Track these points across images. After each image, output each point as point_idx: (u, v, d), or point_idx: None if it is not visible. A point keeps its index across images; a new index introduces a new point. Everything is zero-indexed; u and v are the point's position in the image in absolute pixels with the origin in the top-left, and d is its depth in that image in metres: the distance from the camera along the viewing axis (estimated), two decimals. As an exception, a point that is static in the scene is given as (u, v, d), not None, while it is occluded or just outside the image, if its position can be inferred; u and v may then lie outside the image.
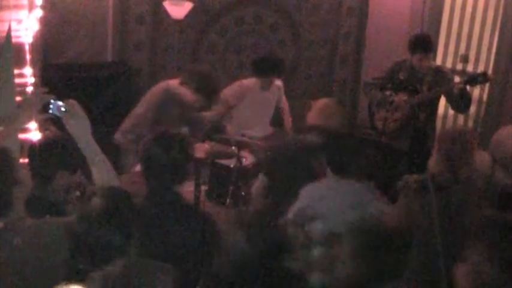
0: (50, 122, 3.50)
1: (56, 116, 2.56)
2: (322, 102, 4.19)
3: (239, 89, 5.38)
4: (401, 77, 5.23)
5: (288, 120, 5.57)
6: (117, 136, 4.45)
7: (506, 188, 3.50)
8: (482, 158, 4.42)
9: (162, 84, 4.70)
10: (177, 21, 5.83)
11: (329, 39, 7.03)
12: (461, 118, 6.67)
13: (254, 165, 4.93)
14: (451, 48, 6.78)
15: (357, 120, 7.22)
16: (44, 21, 4.52)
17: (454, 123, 6.71)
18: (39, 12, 4.35)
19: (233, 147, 4.86)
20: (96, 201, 2.17)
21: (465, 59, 6.64)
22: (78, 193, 2.89)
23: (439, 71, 5.25)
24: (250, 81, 5.39)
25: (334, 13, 6.93)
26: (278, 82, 5.51)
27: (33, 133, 3.57)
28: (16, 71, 3.66)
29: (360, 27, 7.04)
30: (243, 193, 4.76)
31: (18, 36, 3.95)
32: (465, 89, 4.95)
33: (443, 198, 3.40)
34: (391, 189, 3.79)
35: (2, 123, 2.81)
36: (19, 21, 4.03)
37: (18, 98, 3.28)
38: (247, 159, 4.96)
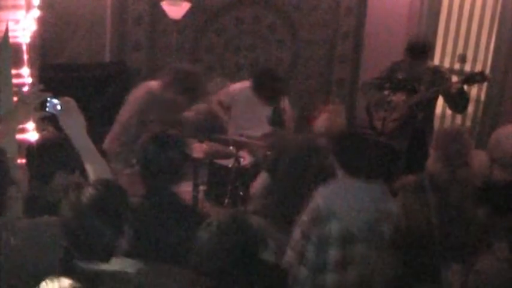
0: (48, 123, 3.49)
1: (52, 113, 2.56)
2: (329, 110, 4.20)
3: (234, 91, 5.36)
4: (400, 77, 5.23)
5: (289, 121, 5.54)
6: (105, 145, 4.34)
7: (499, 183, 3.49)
8: (480, 158, 4.42)
9: (143, 87, 4.48)
10: (175, 22, 5.83)
11: (327, 39, 7.03)
12: (459, 118, 6.68)
13: (252, 165, 4.93)
14: (449, 47, 6.79)
15: (355, 120, 7.22)
16: (42, 22, 4.51)
17: (452, 123, 6.72)
18: (36, 13, 4.34)
19: (231, 147, 4.85)
20: (89, 190, 2.17)
21: (463, 59, 6.65)
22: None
23: (437, 70, 5.24)
24: (245, 84, 5.37)
25: (332, 13, 6.93)
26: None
27: (31, 133, 3.56)
28: (14, 71, 3.65)
29: (358, 27, 7.04)
30: (241, 193, 4.76)
31: (16, 37, 3.94)
32: (463, 88, 4.95)
33: (441, 198, 3.40)
34: (390, 189, 3.79)
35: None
36: (17, 22, 4.02)
37: (15, 99, 3.28)
38: (246, 159, 4.96)
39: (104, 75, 5.87)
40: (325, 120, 4.05)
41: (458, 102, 5.04)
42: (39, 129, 3.54)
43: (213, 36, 6.53)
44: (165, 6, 5.71)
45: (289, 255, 3.22)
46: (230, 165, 4.82)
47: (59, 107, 2.53)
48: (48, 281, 2.13)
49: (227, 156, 4.89)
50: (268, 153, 4.65)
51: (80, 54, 5.94)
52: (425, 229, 3.20)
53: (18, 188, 2.75)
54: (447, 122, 6.73)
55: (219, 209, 4.63)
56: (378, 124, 5.32)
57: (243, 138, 4.94)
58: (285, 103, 5.49)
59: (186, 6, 5.73)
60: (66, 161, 2.98)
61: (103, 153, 3.93)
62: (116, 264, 2.16)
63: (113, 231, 2.14)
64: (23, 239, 2.45)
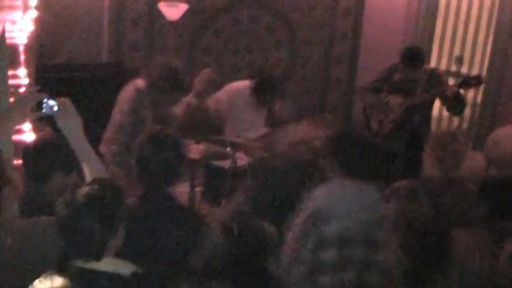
0: (45, 123, 3.49)
1: (49, 114, 2.56)
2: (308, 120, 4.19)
3: (231, 91, 5.36)
4: (396, 79, 5.24)
5: (284, 116, 5.52)
6: (102, 148, 4.33)
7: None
8: (477, 160, 4.44)
9: (131, 86, 4.43)
10: (173, 22, 5.83)
11: (325, 40, 7.03)
12: (455, 120, 6.69)
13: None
14: (446, 49, 6.80)
15: (352, 121, 7.23)
16: (39, 22, 4.50)
17: (449, 125, 6.73)
18: (33, 13, 4.34)
19: (228, 148, 4.86)
20: (84, 188, 2.17)
21: (460, 61, 6.66)
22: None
23: (433, 73, 5.26)
24: (243, 84, 5.36)
25: (329, 14, 6.94)
26: None
27: (28, 134, 3.56)
28: (10, 72, 3.64)
29: (355, 28, 7.05)
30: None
31: (13, 37, 3.93)
32: (459, 92, 4.96)
33: (436, 201, 3.41)
34: (383, 193, 3.79)
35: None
36: (13, 22, 4.01)
37: (12, 99, 3.28)
38: (242, 160, 4.96)
39: (101, 76, 5.86)
40: (304, 130, 4.01)
41: (454, 105, 5.05)
42: (35, 130, 3.53)
43: (211, 37, 6.53)
44: (163, 7, 5.71)
45: (286, 255, 3.21)
46: (227, 167, 4.82)
47: (55, 108, 2.53)
48: (42, 279, 2.13)
49: (224, 157, 4.89)
50: (265, 154, 4.65)
51: (77, 55, 5.94)
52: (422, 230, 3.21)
53: (15, 188, 2.74)
54: (444, 125, 6.74)
55: (220, 210, 4.61)
56: (375, 126, 5.33)
57: (240, 139, 4.94)
58: (280, 103, 5.50)
59: (184, 7, 5.73)
60: (63, 161, 2.98)
61: (100, 156, 3.93)
62: (110, 265, 2.16)
63: (105, 230, 2.14)
64: (19, 240, 2.45)
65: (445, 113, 6.15)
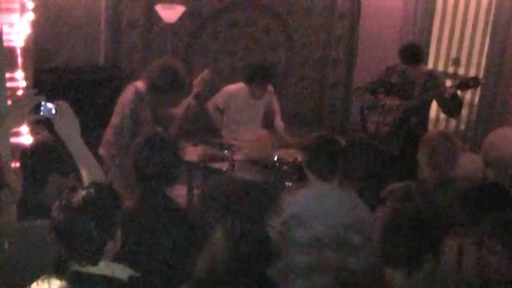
0: (42, 126, 3.49)
1: (46, 117, 2.55)
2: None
3: (228, 92, 5.37)
4: (393, 81, 5.24)
5: (279, 121, 5.56)
6: (101, 151, 4.33)
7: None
8: (474, 161, 4.44)
9: (131, 88, 4.41)
10: (170, 25, 5.83)
11: (321, 43, 7.04)
12: (453, 122, 6.69)
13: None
14: (443, 51, 6.81)
15: (349, 123, 7.24)
16: (36, 25, 4.50)
17: (446, 127, 6.73)
18: (31, 16, 4.33)
19: (226, 151, 4.86)
20: (81, 192, 2.17)
21: (457, 62, 6.67)
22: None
23: (430, 75, 5.26)
24: (238, 87, 5.37)
25: (326, 16, 6.95)
26: (269, 87, 5.49)
27: (25, 137, 3.55)
28: (7, 75, 3.63)
29: (352, 30, 7.06)
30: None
31: (10, 40, 3.92)
32: (456, 93, 4.96)
33: (430, 203, 3.40)
34: (378, 195, 3.80)
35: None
36: (11, 25, 4.01)
37: (9, 102, 3.27)
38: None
39: (98, 78, 5.86)
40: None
41: (451, 106, 5.05)
42: (33, 132, 3.53)
43: (208, 39, 6.53)
44: (160, 10, 5.71)
45: None
46: (224, 169, 4.82)
47: (53, 111, 2.53)
48: (39, 282, 2.13)
49: (221, 159, 4.89)
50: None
51: (74, 58, 5.94)
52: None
53: (12, 191, 2.74)
54: (441, 126, 6.74)
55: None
56: (372, 128, 5.33)
57: (237, 142, 4.94)
58: (275, 103, 5.51)
59: (181, 10, 5.74)
60: (60, 164, 2.98)
61: (99, 158, 3.93)
62: (107, 269, 2.16)
63: (102, 234, 2.13)
64: (17, 243, 2.45)
65: (442, 115, 6.15)
